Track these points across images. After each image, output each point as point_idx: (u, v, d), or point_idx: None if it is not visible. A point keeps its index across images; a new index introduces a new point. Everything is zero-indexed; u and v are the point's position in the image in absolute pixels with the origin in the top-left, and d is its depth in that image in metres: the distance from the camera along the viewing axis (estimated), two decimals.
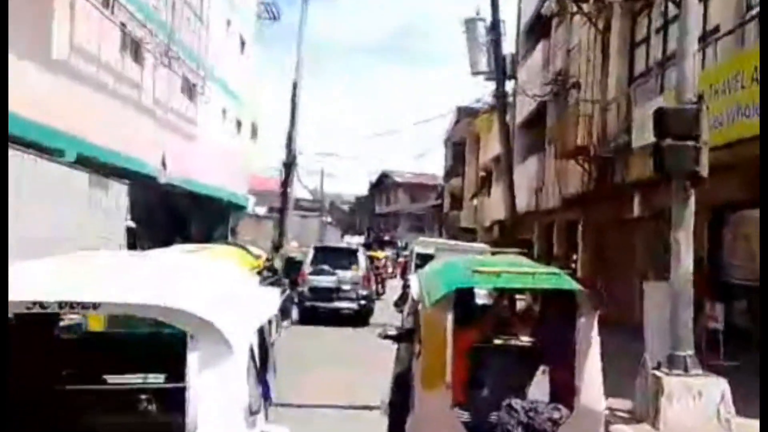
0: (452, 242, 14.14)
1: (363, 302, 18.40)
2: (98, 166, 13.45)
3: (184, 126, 22.76)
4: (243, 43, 30.68)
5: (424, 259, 13.30)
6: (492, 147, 27.64)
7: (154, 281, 3.26)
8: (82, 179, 10.64)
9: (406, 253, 35.63)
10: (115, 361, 4.41)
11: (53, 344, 4.24)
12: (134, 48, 18.26)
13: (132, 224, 14.06)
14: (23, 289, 2.84)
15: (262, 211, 46.31)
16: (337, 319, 17.83)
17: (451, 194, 45.27)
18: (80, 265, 3.58)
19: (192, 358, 2.75)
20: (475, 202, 37.22)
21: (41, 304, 2.76)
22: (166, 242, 13.49)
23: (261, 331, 3.61)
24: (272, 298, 4.39)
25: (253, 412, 3.07)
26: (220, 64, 26.20)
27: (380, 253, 31.50)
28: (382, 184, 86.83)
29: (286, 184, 32.84)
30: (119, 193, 12.70)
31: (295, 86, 33.34)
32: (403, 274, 21.68)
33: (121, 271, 3.53)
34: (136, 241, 14.49)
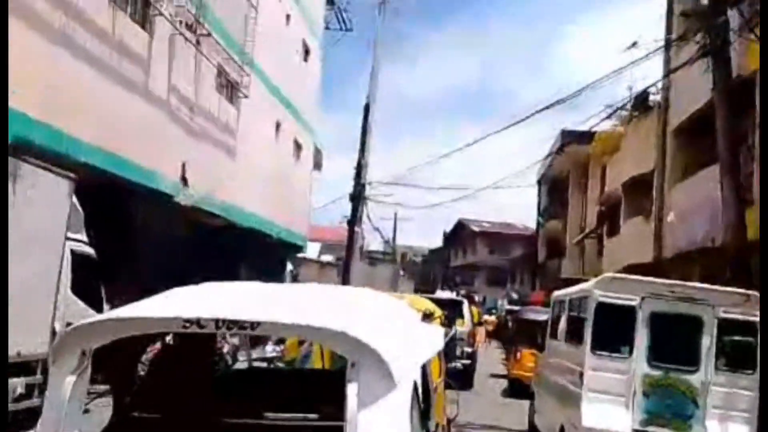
0: (675, 284, 7.39)
1: (468, 362, 16.26)
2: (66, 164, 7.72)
3: (219, 135, 17.12)
4: (307, 51, 25.25)
5: (612, 316, 6.81)
6: (622, 169, 20.99)
7: (314, 305, 3.05)
8: None
9: (508, 307, 29.68)
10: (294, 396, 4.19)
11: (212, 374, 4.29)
12: (138, 1, 12.78)
13: (85, 248, 8.24)
14: (178, 308, 2.75)
15: (329, 259, 42.24)
16: None
17: (548, 240, 38.16)
18: (232, 291, 3.41)
19: (351, 390, 2.36)
20: (585, 245, 30.24)
21: (198, 322, 2.52)
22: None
23: (424, 370, 3.21)
24: (437, 336, 4.17)
25: None
26: (275, 65, 20.72)
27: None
28: (458, 235, 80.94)
29: (353, 221, 27.04)
30: (48, 190, 6.93)
31: (367, 108, 27.93)
32: (496, 336, 16.62)
33: (277, 294, 3.41)
34: (94, 278, 8.53)
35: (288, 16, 22.23)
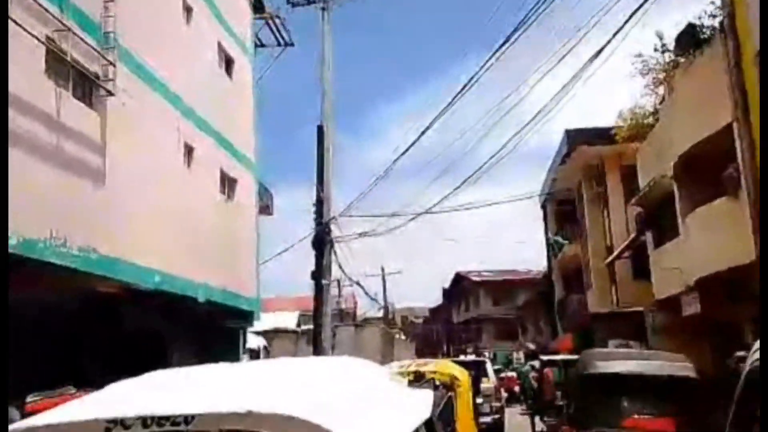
0: None
1: (497, 415, 18.16)
2: None
3: (65, 147, 11.04)
4: (228, 60, 19.49)
5: None
6: (668, 144, 14.84)
7: (261, 387, 2.61)
8: None
9: (546, 358, 24.34)
10: None
11: None
12: None
13: None
14: (99, 407, 2.32)
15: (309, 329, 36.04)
16: None
17: (565, 271, 31.83)
18: (178, 377, 2.96)
19: None
20: (615, 268, 23.92)
21: (123, 422, 2.13)
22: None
23: None
24: (423, 400, 3.39)
25: None
26: (171, 66, 14.91)
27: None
28: (459, 288, 74.61)
29: (318, 271, 20.76)
30: None
31: (320, 130, 22.03)
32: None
33: (224, 379, 2.86)
34: None
35: (188, 9, 16.52)
